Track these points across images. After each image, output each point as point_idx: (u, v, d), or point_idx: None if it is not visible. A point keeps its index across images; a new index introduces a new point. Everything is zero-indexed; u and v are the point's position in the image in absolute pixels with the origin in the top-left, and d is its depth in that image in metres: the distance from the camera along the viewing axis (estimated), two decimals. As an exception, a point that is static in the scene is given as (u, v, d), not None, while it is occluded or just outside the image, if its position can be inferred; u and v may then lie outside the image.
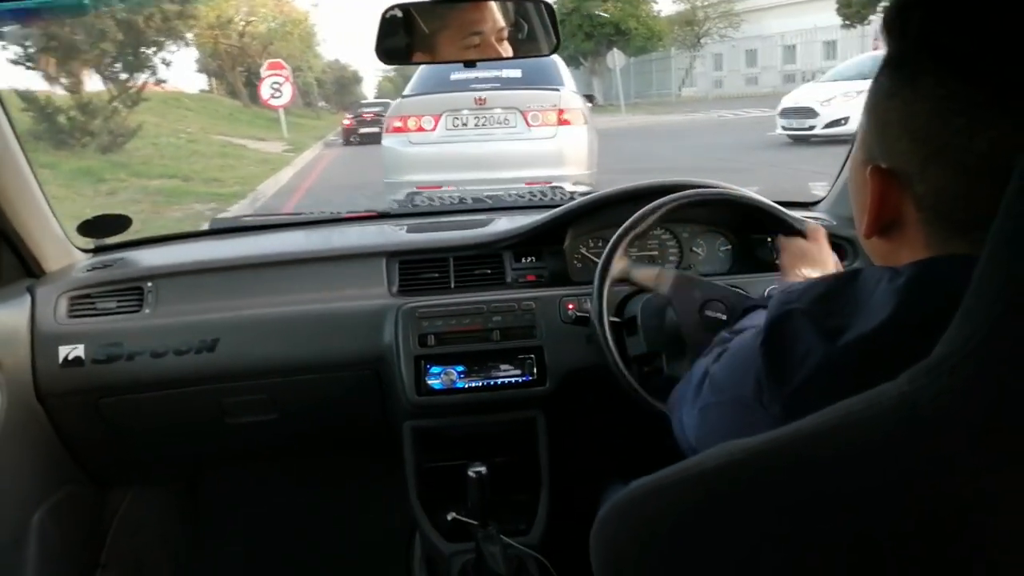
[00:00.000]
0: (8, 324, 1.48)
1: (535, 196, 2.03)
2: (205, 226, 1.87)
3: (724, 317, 1.31)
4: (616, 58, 21.03)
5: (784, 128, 11.98)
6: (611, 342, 1.35)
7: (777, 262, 1.53)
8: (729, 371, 0.72)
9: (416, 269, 1.64)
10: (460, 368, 1.55)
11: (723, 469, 0.50)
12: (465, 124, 5.65)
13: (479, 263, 1.65)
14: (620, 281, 1.39)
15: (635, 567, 0.54)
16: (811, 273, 1.16)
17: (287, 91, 17.00)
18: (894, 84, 0.61)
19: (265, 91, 17.03)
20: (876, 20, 22.42)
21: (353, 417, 1.72)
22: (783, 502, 0.47)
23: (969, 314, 0.42)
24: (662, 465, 0.55)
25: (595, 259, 1.53)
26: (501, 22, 1.35)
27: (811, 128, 11.48)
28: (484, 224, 1.75)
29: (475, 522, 1.46)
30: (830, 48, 24.78)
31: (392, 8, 1.31)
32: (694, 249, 1.70)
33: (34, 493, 1.52)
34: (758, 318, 0.85)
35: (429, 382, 1.54)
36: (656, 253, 1.70)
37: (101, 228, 1.72)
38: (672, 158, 10.88)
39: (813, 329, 0.61)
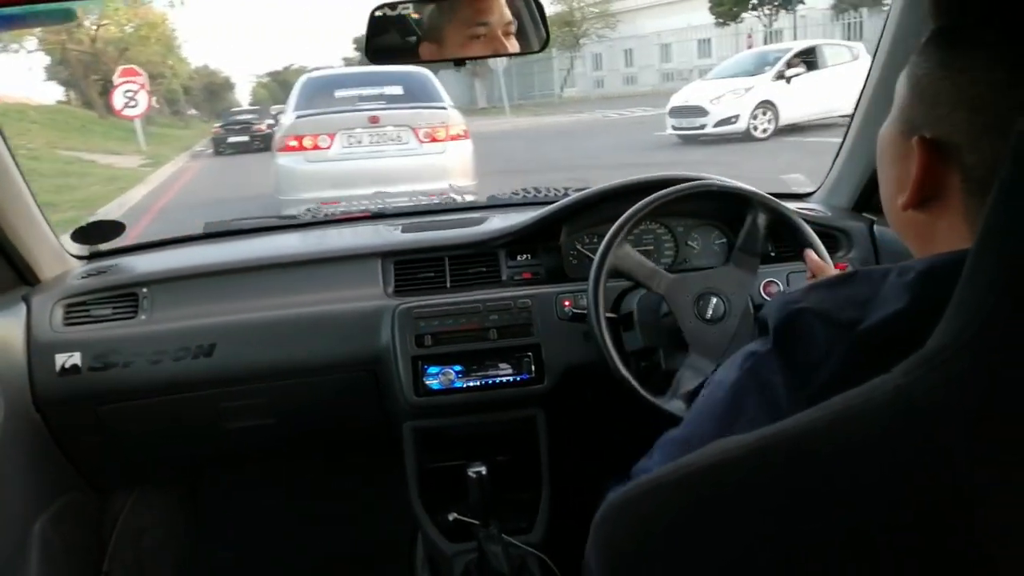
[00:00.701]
0: (4, 333, 1.48)
1: (529, 193, 2.00)
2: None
3: (723, 309, 1.37)
4: (498, 59, 20.33)
5: (675, 127, 11.73)
6: (608, 338, 1.37)
7: (772, 254, 1.57)
8: (718, 414, 0.68)
9: (411, 269, 1.64)
10: (458, 368, 1.56)
11: (719, 466, 0.49)
12: (360, 142, 5.99)
13: (474, 262, 1.65)
14: (617, 273, 1.41)
15: (634, 565, 0.52)
16: None
17: (143, 100, 15.50)
18: (948, 54, 0.61)
19: (118, 101, 15.46)
20: (748, 18, 22.90)
21: (352, 419, 1.72)
22: (780, 498, 0.46)
23: (962, 305, 0.43)
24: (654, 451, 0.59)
25: (590, 255, 1.54)
26: (508, 16, 1.31)
27: (702, 127, 11.31)
28: (478, 222, 1.75)
29: (477, 522, 1.46)
30: (704, 46, 25.19)
31: (382, 6, 1.28)
32: (689, 243, 1.70)
33: (34, 502, 1.52)
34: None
35: (427, 382, 1.55)
36: (651, 248, 1.70)
37: (95, 235, 1.71)
38: (570, 160, 10.60)
39: (828, 323, 0.60)
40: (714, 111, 11.34)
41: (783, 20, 23.17)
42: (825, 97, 11.56)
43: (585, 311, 1.44)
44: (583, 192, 1.68)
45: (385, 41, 1.32)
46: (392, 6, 1.29)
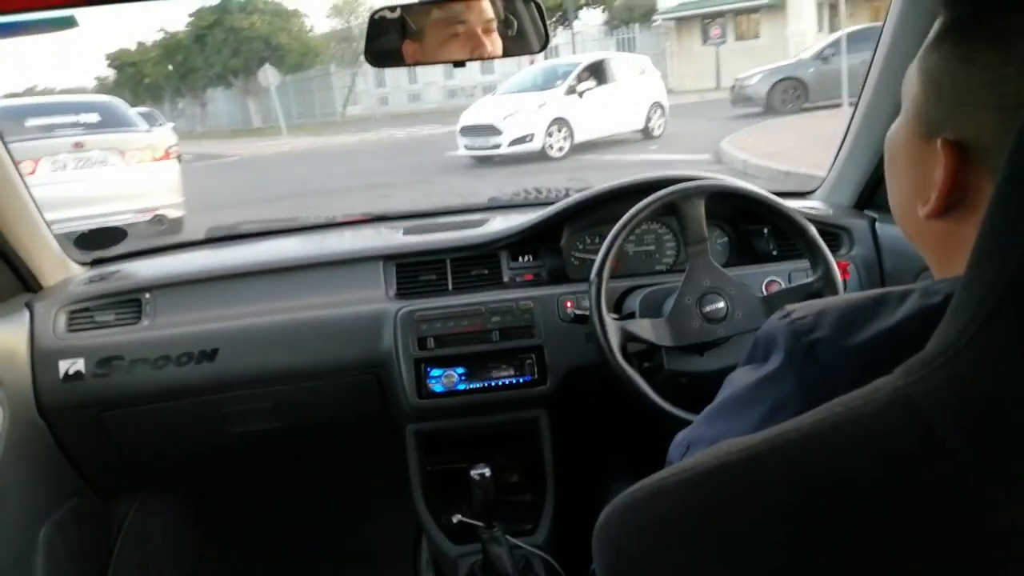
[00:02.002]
0: (8, 341, 1.49)
1: (530, 194, 2.03)
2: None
3: (721, 316, 1.36)
4: (270, 75, 18.49)
5: (467, 147, 10.64)
6: (610, 339, 1.36)
7: (774, 253, 1.60)
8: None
9: (413, 272, 1.64)
10: (461, 370, 1.56)
11: (722, 469, 0.48)
12: (65, 167, 6.11)
13: (476, 264, 1.66)
14: (673, 213, 1.42)
15: (637, 567, 0.52)
16: None
17: None
18: (970, 47, 0.56)
19: None
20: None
21: (355, 422, 1.72)
22: (783, 500, 0.46)
23: (962, 306, 0.42)
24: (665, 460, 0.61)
25: (592, 256, 1.49)
26: (488, 14, 1.34)
27: (496, 147, 10.42)
28: (479, 224, 1.76)
29: (480, 524, 1.46)
30: (487, 62, 24.60)
31: (380, 9, 1.32)
32: None
33: (40, 508, 1.53)
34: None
35: (430, 385, 1.55)
36: (653, 248, 1.71)
37: (97, 241, 1.74)
38: (353, 185, 9.61)
39: (848, 354, 0.57)
40: (508, 129, 10.52)
41: (560, 36, 23.23)
42: (618, 112, 11.09)
43: (587, 312, 1.40)
44: (584, 193, 1.67)
45: (383, 44, 1.33)
46: (392, 9, 1.30)
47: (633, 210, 1.39)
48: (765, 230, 1.61)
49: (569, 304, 1.55)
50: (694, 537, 0.48)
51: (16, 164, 1.53)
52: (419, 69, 26.26)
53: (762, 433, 0.48)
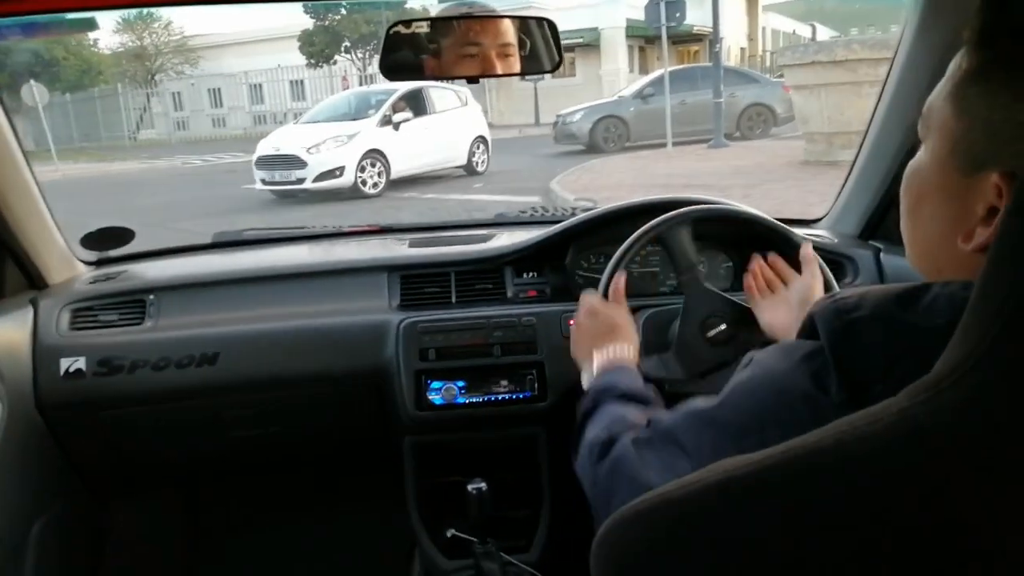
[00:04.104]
0: (10, 336, 1.48)
1: (536, 212, 1.99)
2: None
3: (725, 338, 1.33)
4: (36, 93, 15.62)
5: (265, 182, 8.94)
6: None
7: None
8: (762, 408, 0.66)
9: (417, 284, 1.65)
10: (461, 383, 1.56)
11: (724, 485, 0.48)
12: None
13: (480, 278, 1.66)
14: (661, 245, 1.41)
15: None
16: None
17: None
18: None
19: None
20: (342, 60, 21.28)
21: (354, 431, 1.72)
22: (784, 517, 0.46)
23: (968, 331, 0.43)
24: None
25: (597, 275, 1.49)
26: (506, 39, 1.35)
27: (300, 181, 8.89)
28: (485, 239, 1.76)
29: (474, 539, 1.48)
30: (298, 88, 23.27)
31: (396, 24, 1.32)
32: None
33: (33, 505, 1.51)
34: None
35: (430, 397, 1.55)
36: (658, 269, 1.71)
37: (104, 241, 1.70)
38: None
39: (888, 329, 0.58)
40: (313, 162, 9.17)
41: (376, 64, 22.05)
42: (438, 146, 9.94)
43: None
44: (591, 212, 1.70)
45: (398, 59, 1.33)
46: (407, 24, 1.32)
47: (616, 257, 1.38)
48: (770, 256, 1.61)
49: (572, 322, 1.52)
50: (695, 551, 0.48)
51: (29, 162, 1.52)
52: (224, 92, 23.95)
53: (766, 450, 0.48)
